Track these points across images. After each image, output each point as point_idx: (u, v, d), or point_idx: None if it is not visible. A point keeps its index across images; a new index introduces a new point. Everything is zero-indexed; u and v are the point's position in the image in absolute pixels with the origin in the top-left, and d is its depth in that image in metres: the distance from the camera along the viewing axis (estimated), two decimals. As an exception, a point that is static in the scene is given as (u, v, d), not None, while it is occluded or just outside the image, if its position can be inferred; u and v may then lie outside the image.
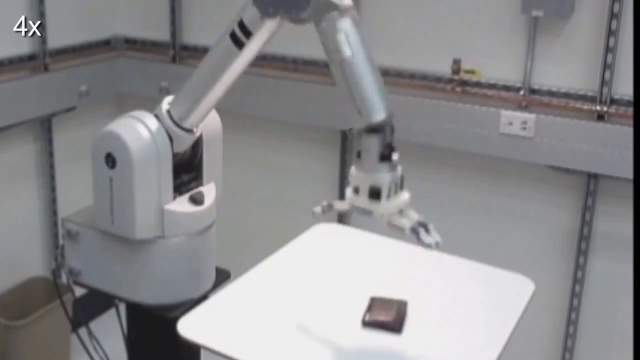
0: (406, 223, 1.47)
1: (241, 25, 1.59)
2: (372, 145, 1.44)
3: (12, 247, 3.05)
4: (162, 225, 1.75)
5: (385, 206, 1.46)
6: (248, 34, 1.59)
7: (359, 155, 1.47)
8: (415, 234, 1.45)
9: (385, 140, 1.45)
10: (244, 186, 3.26)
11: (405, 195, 1.49)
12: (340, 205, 1.55)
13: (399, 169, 1.47)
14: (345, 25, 1.45)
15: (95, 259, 1.85)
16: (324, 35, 1.47)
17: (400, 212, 1.49)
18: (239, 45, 1.61)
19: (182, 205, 1.78)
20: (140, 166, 1.69)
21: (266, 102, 3.04)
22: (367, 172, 1.46)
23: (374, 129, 1.44)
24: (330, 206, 1.56)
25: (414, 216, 1.49)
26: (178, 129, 1.74)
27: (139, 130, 1.70)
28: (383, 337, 1.60)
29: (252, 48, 1.62)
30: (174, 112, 1.74)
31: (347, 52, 1.44)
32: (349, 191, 1.51)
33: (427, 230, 1.45)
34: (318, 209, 1.56)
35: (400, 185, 1.48)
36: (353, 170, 1.49)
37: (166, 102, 1.77)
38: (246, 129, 3.19)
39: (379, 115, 1.44)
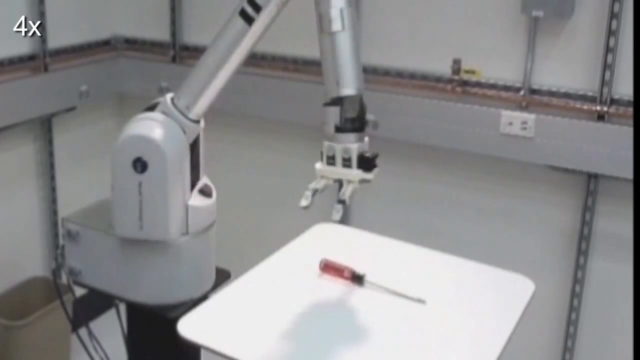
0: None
1: (251, 1, 1.65)
2: (337, 115, 1.55)
3: (12, 247, 3.05)
4: (187, 222, 1.76)
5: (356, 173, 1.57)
6: (258, 8, 1.65)
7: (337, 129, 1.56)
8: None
9: (353, 114, 1.55)
10: (244, 186, 3.26)
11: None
12: (319, 184, 1.66)
13: (367, 141, 1.57)
14: (341, 2, 1.56)
15: (95, 259, 1.85)
16: (319, 5, 1.57)
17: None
18: (249, 21, 1.66)
19: (198, 199, 1.79)
20: (172, 167, 1.70)
21: (266, 102, 3.04)
22: (338, 142, 1.56)
23: (341, 101, 1.55)
24: (314, 190, 1.65)
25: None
26: (188, 121, 1.75)
27: (163, 131, 1.70)
28: (382, 338, 1.60)
29: (261, 24, 1.67)
30: (179, 104, 1.75)
31: (337, 26, 1.55)
32: (318, 164, 1.63)
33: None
34: (306, 201, 1.65)
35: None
36: (325, 143, 1.58)
37: (169, 98, 1.77)
38: (246, 129, 3.19)
39: (350, 89, 1.55)
